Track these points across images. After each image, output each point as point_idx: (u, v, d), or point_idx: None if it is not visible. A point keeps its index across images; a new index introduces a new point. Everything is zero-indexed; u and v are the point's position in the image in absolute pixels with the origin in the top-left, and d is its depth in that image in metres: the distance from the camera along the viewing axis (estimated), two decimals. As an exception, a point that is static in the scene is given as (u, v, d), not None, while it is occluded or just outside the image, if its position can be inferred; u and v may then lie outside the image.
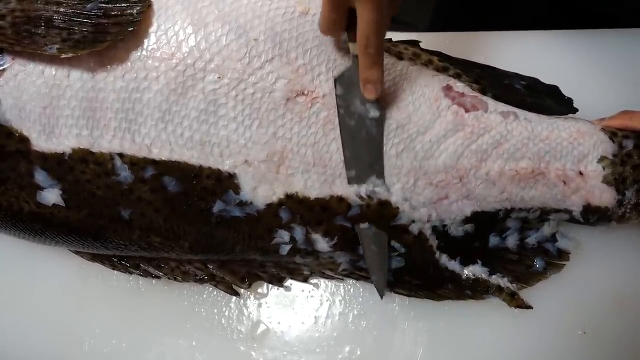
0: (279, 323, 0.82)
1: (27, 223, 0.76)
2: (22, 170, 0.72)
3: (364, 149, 0.72)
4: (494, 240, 0.79)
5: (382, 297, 0.78)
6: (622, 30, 0.89)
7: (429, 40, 0.81)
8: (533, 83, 0.81)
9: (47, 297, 0.84)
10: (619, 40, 0.88)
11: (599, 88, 0.85)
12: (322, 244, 0.75)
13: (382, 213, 0.74)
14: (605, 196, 0.76)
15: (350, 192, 0.73)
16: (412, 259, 0.77)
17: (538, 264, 0.79)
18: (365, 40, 0.64)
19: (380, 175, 0.73)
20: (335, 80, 0.71)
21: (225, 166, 0.72)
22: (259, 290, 0.83)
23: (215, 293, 0.83)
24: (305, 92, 0.72)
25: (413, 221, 0.74)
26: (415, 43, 0.79)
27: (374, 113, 0.71)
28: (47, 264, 0.85)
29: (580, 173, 0.76)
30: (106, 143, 0.71)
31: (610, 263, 0.81)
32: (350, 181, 0.73)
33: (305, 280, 0.82)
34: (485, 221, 0.77)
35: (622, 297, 0.80)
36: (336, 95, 0.71)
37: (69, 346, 0.83)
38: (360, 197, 0.73)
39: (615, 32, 0.88)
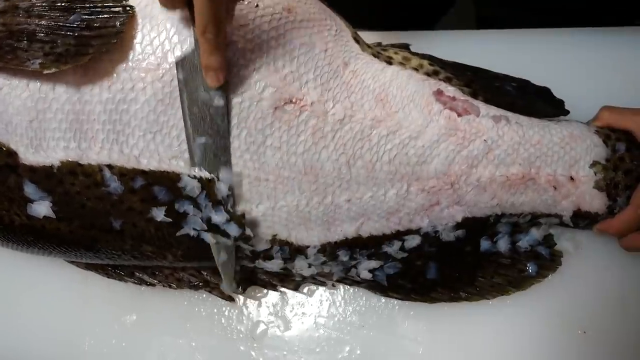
0: (278, 323, 0.83)
1: (19, 236, 0.76)
2: (12, 184, 0.72)
3: (209, 138, 0.70)
4: (485, 244, 0.78)
5: (232, 300, 0.80)
6: (613, 29, 0.88)
7: (419, 40, 0.81)
8: (524, 85, 0.80)
9: (47, 297, 0.85)
10: (611, 39, 0.87)
11: (591, 89, 0.84)
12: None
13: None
14: (596, 202, 0.76)
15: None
16: (407, 265, 0.78)
17: (531, 268, 0.79)
18: (203, 26, 0.61)
19: (227, 165, 0.71)
20: (177, 64, 0.68)
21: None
22: (259, 290, 0.83)
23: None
24: (294, 100, 0.71)
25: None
26: (405, 46, 0.79)
27: (218, 101, 0.69)
28: (47, 264, 0.85)
29: (572, 178, 0.76)
30: (94, 155, 0.71)
31: (610, 263, 0.81)
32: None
33: (296, 288, 0.82)
34: (476, 227, 0.77)
35: (623, 297, 0.80)
36: (178, 80, 0.69)
37: (69, 346, 0.83)
38: (199, 180, 0.71)
39: (607, 31, 0.88)
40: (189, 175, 0.70)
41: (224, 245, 0.74)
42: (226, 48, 0.66)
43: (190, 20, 0.66)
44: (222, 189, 0.71)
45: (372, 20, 0.91)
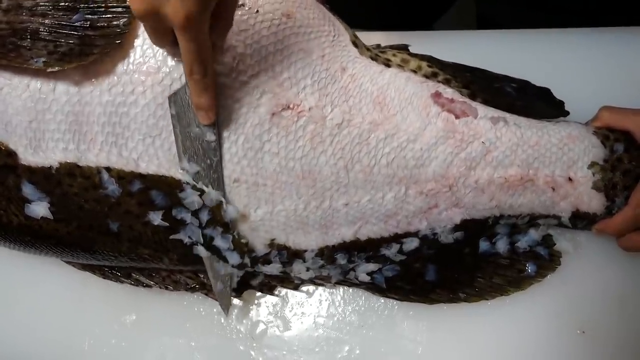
0: (278, 323, 0.83)
1: (17, 235, 0.76)
2: (10, 184, 0.72)
3: (202, 172, 0.71)
4: (483, 245, 0.78)
5: (227, 314, 0.80)
6: (613, 30, 0.88)
7: (419, 40, 0.80)
8: (524, 86, 0.80)
9: (47, 297, 0.85)
10: (611, 39, 0.87)
11: (591, 89, 0.84)
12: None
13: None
14: (594, 202, 0.76)
15: None
16: (405, 267, 0.78)
17: (530, 268, 0.79)
18: (189, 67, 0.63)
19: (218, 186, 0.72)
20: (170, 100, 0.69)
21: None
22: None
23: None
24: (291, 106, 0.71)
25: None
26: (404, 47, 0.79)
27: (210, 137, 0.70)
28: (47, 264, 0.85)
29: (570, 179, 0.76)
30: (93, 157, 0.71)
31: (609, 263, 0.81)
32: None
33: (295, 288, 0.82)
34: (475, 228, 0.77)
35: (622, 297, 0.80)
36: (171, 114, 0.70)
37: (69, 346, 0.83)
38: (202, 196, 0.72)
39: (606, 31, 0.88)
40: (192, 188, 0.71)
41: (220, 275, 0.75)
42: (215, 87, 0.67)
43: (179, 58, 0.66)
44: (230, 211, 0.72)
45: (372, 19, 0.91)
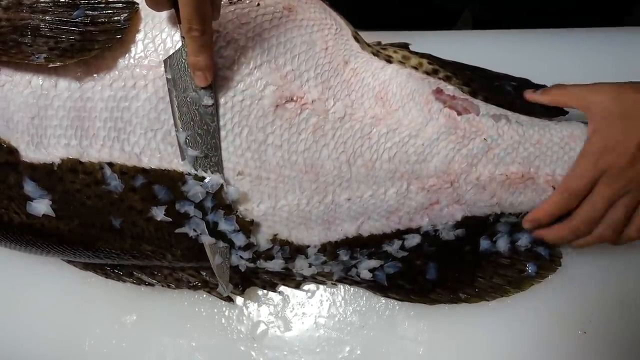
0: (279, 323, 0.83)
1: (18, 234, 0.76)
2: (12, 182, 0.72)
3: (199, 138, 0.70)
4: (484, 243, 0.78)
5: (226, 291, 0.78)
6: (614, 30, 0.89)
7: (418, 40, 0.81)
8: (524, 84, 0.80)
9: (47, 297, 0.85)
10: (611, 40, 0.87)
11: None
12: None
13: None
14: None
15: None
16: (407, 264, 0.78)
17: (530, 268, 0.79)
18: (188, 23, 0.61)
19: (217, 168, 0.71)
20: (165, 63, 0.68)
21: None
22: (259, 290, 0.83)
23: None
24: (295, 98, 0.71)
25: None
26: (404, 45, 0.79)
27: (207, 101, 0.69)
28: (47, 264, 0.85)
29: (571, 179, 0.76)
30: (95, 152, 0.71)
31: (610, 263, 0.81)
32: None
33: (297, 286, 0.82)
34: (476, 226, 0.77)
35: (623, 297, 0.80)
36: (167, 79, 0.68)
37: (69, 346, 0.83)
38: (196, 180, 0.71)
39: (606, 31, 0.89)
40: (194, 179, 0.70)
41: (218, 248, 0.74)
42: (213, 46, 0.66)
43: (176, 20, 0.65)
44: (231, 192, 0.71)
45: (372, 21, 0.91)
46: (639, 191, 0.72)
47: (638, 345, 0.79)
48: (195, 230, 0.72)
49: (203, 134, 0.70)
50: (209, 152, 0.70)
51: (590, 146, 0.72)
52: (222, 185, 0.71)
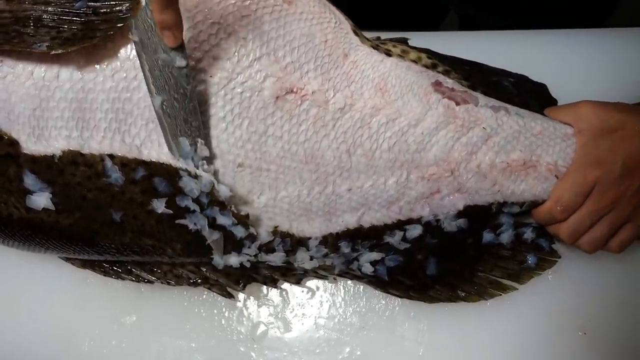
0: (279, 324, 0.83)
1: (17, 230, 0.75)
2: (11, 175, 0.71)
3: (176, 103, 0.68)
4: (487, 237, 0.78)
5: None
6: (609, 30, 0.89)
7: (416, 40, 0.81)
8: (521, 80, 0.81)
9: (47, 297, 0.84)
10: (606, 40, 0.88)
11: (587, 90, 0.84)
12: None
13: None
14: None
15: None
16: (408, 257, 0.78)
17: (530, 260, 0.79)
18: None
19: (198, 133, 0.70)
20: (130, 24, 0.65)
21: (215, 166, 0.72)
22: (259, 290, 0.83)
23: (215, 294, 0.82)
24: (295, 90, 0.72)
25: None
26: (403, 40, 0.80)
27: (180, 62, 0.66)
28: (47, 264, 0.84)
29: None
30: (96, 144, 0.71)
31: (611, 263, 0.81)
32: (168, 142, 0.70)
33: (298, 282, 0.82)
34: (479, 215, 0.77)
35: (623, 298, 0.80)
36: (134, 42, 0.66)
37: (69, 346, 0.83)
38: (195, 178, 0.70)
39: (602, 32, 0.89)
40: (189, 175, 0.70)
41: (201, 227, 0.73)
42: (178, 2, 0.62)
43: None
44: (222, 190, 0.71)
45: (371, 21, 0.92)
46: (625, 209, 0.73)
47: (638, 345, 0.79)
48: (195, 225, 0.72)
49: (180, 98, 0.68)
50: (188, 117, 0.69)
51: (580, 158, 0.74)
52: (213, 184, 0.70)
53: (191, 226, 0.72)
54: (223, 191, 0.71)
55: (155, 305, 0.83)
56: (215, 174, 0.72)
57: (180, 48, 0.65)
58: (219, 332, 0.82)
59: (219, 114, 0.71)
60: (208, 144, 0.71)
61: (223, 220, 0.72)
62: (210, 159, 0.71)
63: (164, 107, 0.68)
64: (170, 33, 0.63)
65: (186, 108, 0.69)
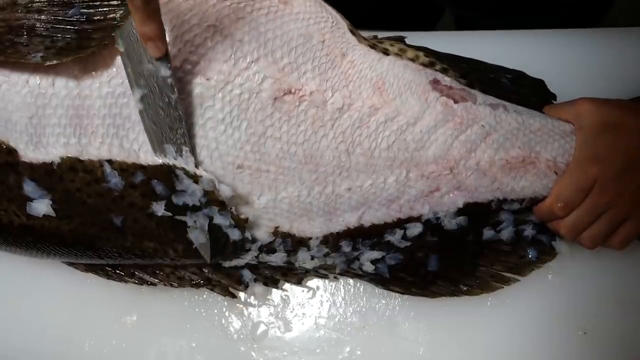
0: (279, 324, 0.83)
1: (18, 237, 0.75)
2: (11, 183, 0.71)
3: (161, 111, 0.68)
4: (488, 234, 0.78)
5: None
6: (604, 30, 0.90)
7: (415, 40, 0.81)
8: (519, 76, 0.81)
9: (48, 297, 0.84)
10: (602, 40, 0.88)
11: (585, 90, 0.83)
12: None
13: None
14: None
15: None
16: (409, 255, 0.78)
17: (531, 253, 0.79)
18: None
19: (183, 140, 0.70)
20: (116, 34, 0.65)
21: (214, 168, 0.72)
22: (260, 290, 0.82)
23: (215, 293, 0.82)
24: (293, 91, 0.72)
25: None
26: (400, 39, 0.79)
27: (164, 72, 0.66)
28: (47, 264, 0.84)
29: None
30: (95, 150, 0.71)
31: (611, 263, 0.81)
32: (154, 151, 0.70)
33: (299, 282, 0.82)
34: (478, 212, 0.77)
35: (623, 298, 0.80)
36: (120, 53, 0.66)
37: (69, 346, 0.83)
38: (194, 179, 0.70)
39: (597, 31, 0.89)
40: (188, 177, 0.70)
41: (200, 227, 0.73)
42: (160, 14, 0.62)
43: None
44: (223, 189, 0.71)
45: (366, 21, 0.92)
46: (625, 206, 0.73)
47: (638, 345, 0.79)
48: (194, 223, 0.72)
49: (165, 107, 0.68)
50: (173, 125, 0.69)
51: (580, 155, 0.74)
52: (214, 184, 0.70)
53: (190, 223, 0.72)
54: (224, 191, 0.71)
55: (156, 305, 0.83)
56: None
57: (164, 58, 0.65)
58: (219, 332, 0.82)
59: (218, 116, 0.71)
60: (194, 151, 0.71)
61: (220, 220, 0.72)
62: (197, 166, 0.71)
63: (150, 115, 0.68)
64: (154, 44, 0.63)
65: (171, 116, 0.69)
